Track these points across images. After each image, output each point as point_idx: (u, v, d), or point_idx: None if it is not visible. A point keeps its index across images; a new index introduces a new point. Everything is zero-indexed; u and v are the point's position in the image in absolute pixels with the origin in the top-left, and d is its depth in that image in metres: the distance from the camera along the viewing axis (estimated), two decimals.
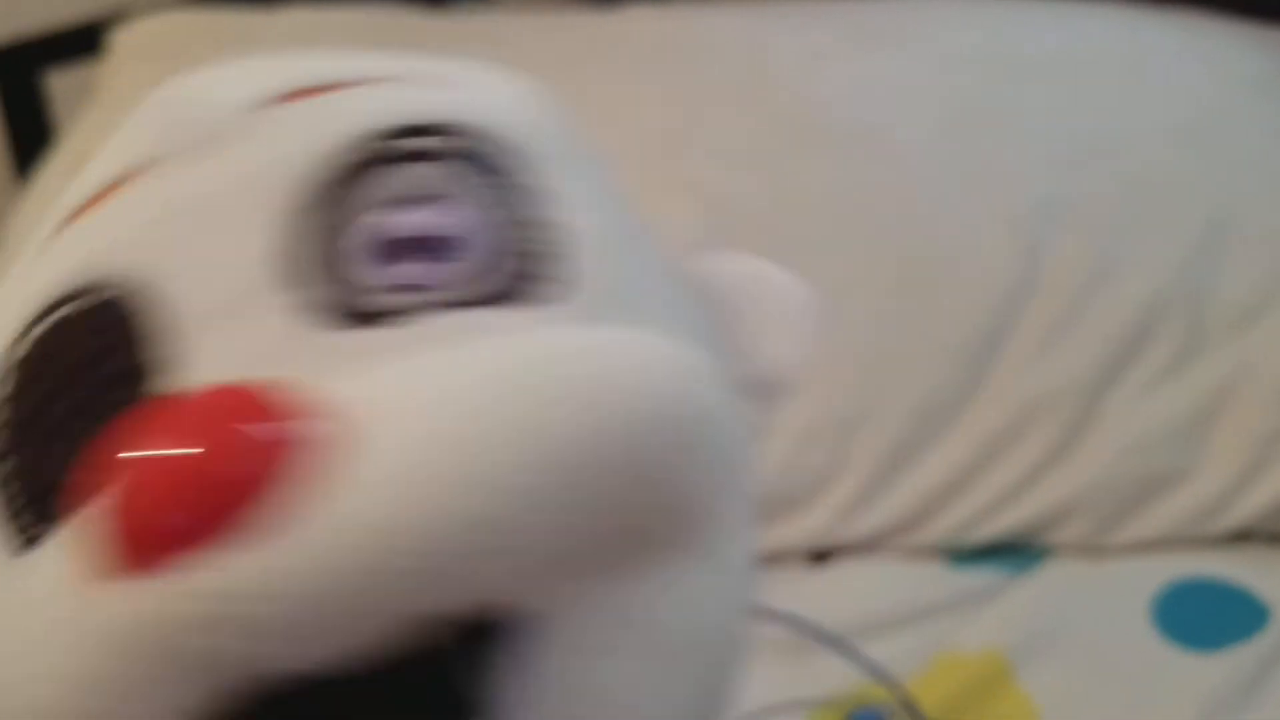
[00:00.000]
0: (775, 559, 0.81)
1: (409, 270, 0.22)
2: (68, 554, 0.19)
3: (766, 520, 0.80)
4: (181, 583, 0.17)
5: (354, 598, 0.18)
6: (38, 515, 0.21)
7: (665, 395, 0.22)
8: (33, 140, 1.18)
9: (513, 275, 0.23)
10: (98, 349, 0.22)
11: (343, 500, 0.18)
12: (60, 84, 1.22)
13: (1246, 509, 0.78)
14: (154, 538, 0.17)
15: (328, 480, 0.18)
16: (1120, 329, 0.81)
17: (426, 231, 0.22)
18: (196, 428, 0.18)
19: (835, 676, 0.69)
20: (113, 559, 0.17)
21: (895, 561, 0.80)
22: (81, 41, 1.16)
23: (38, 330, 0.22)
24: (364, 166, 0.23)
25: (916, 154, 0.89)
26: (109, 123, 0.28)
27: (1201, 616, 0.72)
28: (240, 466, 0.18)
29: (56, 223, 0.24)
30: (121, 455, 0.19)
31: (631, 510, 0.21)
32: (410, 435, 0.19)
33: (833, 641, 0.71)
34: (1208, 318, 0.81)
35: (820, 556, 0.82)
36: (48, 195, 0.95)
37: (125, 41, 1.08)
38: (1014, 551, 0.80)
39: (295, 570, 0.17)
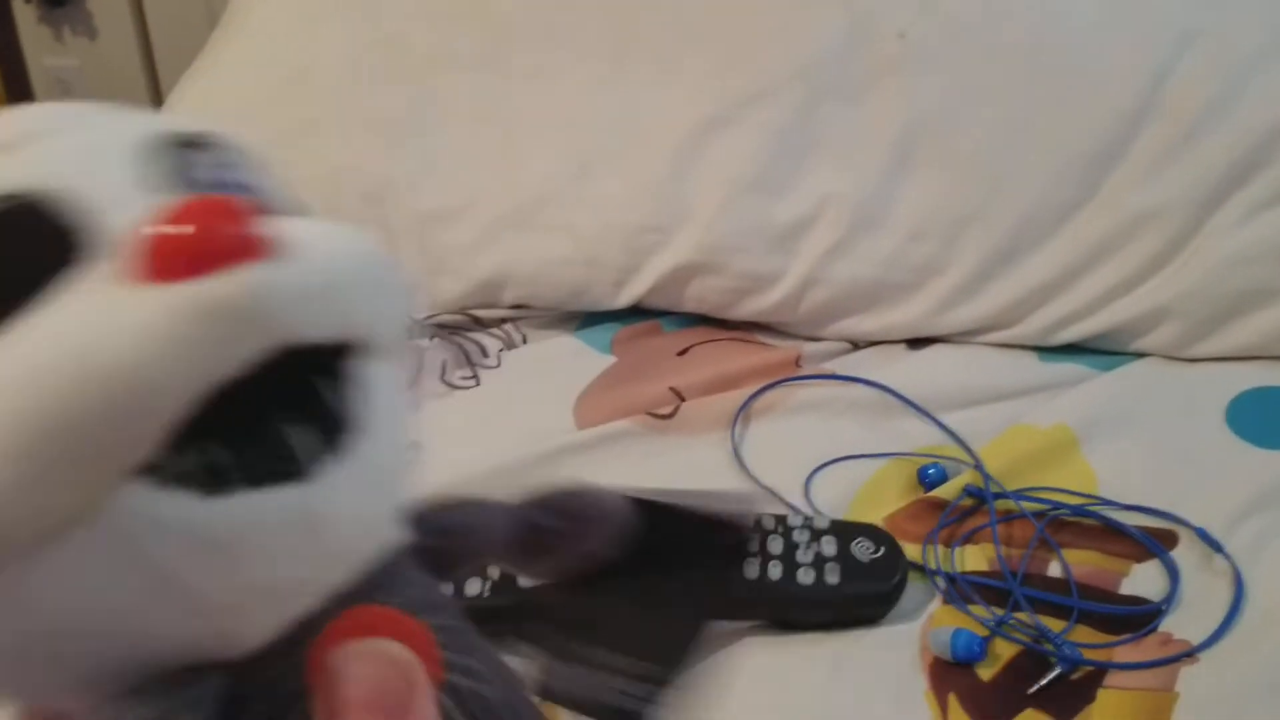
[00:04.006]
0: (876, 343, 0.88)
1: None
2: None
3: (869, 308, 0.87)
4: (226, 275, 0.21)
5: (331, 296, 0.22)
6: None
7: None
8: None
9: None
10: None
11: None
12: None
13: None
14: (190, 256, 0.21)
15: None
16: (1233, 154, 0.84)
17: None
18: (202, 213, 0.22)
19: (914, 438, 0.76)
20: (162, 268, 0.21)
21: (988, 351, 0.85)
22: None
23: None
24: None
25: None
26: None
27: (1272, 419, 0.76)
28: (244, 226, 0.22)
29: None
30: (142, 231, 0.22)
31: None
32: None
33: (912, 404, 0.78)
34: None
35: (918, 343, 0.87)
36: None
37: None
38: (1104, 353, 0.84)
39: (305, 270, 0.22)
